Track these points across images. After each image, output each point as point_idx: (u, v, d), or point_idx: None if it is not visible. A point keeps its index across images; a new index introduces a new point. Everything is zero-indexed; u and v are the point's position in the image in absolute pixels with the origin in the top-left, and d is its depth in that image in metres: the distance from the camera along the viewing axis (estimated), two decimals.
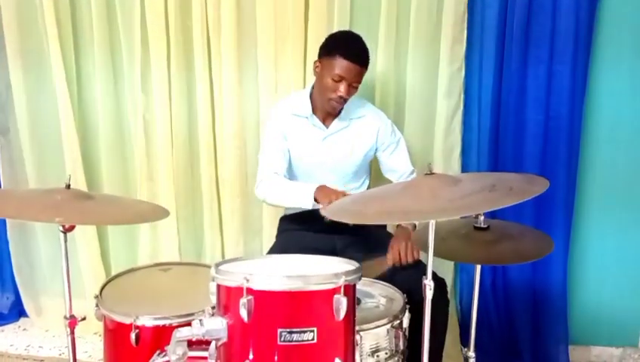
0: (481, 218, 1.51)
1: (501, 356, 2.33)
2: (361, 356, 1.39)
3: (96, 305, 1.61)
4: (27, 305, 2.72)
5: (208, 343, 1.20)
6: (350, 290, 1.15)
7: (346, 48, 1.83)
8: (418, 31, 2.21)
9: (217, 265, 1.21)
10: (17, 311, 2.77)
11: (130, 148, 2.53)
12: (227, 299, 1.14)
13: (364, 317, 1.43)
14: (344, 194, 1.67)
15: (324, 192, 1.74)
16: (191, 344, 1.18)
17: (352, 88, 1.84)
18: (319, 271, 1.24)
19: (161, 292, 1.75)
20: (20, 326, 2.72)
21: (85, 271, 2.55)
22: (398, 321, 1.47)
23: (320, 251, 1.50)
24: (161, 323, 1.50)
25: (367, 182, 2.10)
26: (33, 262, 2.71)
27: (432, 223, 1.21)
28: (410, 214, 1.16)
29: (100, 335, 2.53)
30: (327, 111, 1.92)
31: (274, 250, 1.93)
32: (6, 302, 2.79)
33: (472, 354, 1.57)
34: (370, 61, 1.88)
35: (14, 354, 2.47)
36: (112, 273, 2.58)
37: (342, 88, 1.81)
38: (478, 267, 1.50)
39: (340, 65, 1.80)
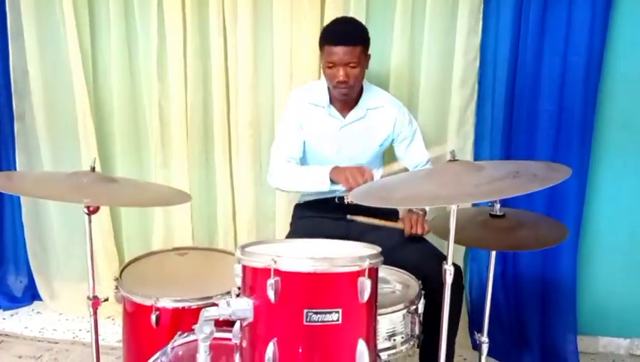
0: (497, 206, 1.53)
1: (510, 344, 2.35)
2: (377, 340, 1.41)
3: (116, 287, 1.65)
4: (41, 289, 2.76)
5: (230, 324, 1.23)
6: (374, 273, 1.17)
7: (330, 34, 1.87)
8: (433, 21, 2.21)
9: (243, 247, 1.23)
10: (31, 295, 2.80)
11: (146, 135, 2.55)
12: (253, 280, 1.16)
13: (381, 302, 1.42)
14: (366, 172, 1.72)
15: (341, 173, 1.77)
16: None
17: (350, 68, 1.82)
18: (344, 253, 1.26)
19: (179, 276, 1.78)
20: (33, 310, 2.75)
21: (99, 256, 2.58)
22: (414, 307, 1.49)
23: (335, 237, 1.51)
24: (180, 305, 1.53)
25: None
26: (47, 247, 2.74)
27: (453, 209, 1.22)
28: (437, 199, 1.18)
29: (112, 319, 2.59)
30: (340, 98, 1.92)
31: (291, 237, 1.94)
32: (20, 285, 2.82)
33: (485, 339, 1.58)
34: (366, 38, 1.87)
35: (29, 336, 2.50)
36: (125, 258, 2.62)
37: (338, 73, 1.82)
38: (494, 253, 1.51)
39: (328, 52, 1.83)
